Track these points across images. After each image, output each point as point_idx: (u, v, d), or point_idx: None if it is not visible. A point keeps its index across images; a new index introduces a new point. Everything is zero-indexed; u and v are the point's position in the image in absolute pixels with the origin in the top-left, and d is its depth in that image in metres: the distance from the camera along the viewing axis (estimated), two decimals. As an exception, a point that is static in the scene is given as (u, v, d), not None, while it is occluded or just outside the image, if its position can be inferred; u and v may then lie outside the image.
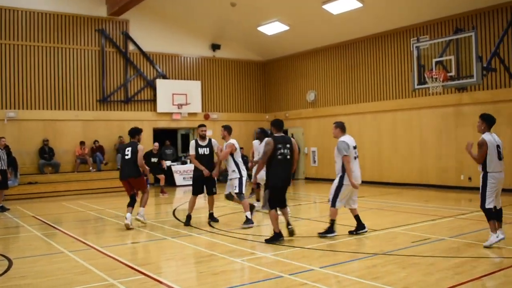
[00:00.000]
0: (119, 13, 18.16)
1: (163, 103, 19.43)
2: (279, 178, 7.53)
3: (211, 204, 9.81)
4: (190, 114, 20.09)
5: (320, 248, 7.09)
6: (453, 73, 13.81)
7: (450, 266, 5.89)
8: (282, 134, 7.75)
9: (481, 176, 7.08)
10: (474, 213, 9.96)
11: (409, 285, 5.17)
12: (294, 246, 7.23)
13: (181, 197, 15.56)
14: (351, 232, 8.05)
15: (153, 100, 19.45)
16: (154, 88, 19.40)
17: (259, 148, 10.59)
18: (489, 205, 7.03)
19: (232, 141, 9.55)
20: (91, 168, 17.48)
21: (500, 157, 7.12)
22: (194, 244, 7.65)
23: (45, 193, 15.79)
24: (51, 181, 16.45)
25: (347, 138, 7.80)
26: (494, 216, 7.00)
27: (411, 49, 15.14)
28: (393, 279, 5.39)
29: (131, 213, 9.26)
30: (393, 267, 5.94)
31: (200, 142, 9.50)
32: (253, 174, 9.10)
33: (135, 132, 9.63)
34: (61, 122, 17.49)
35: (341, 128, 7.93)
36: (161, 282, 5.54)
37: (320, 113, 19.66)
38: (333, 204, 7.77)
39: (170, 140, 20.70)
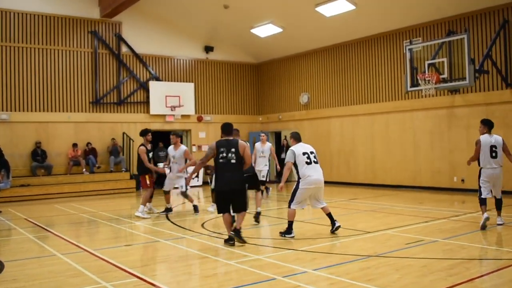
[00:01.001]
0: (112, 15, 18.11)
1: (156, 105, 19.38)
2: (223, 182, 7.56)
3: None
4: (183, 116, 20.06)
5: (313, 250, 7.09)
6: (445, 75, 13.84)
7: (443, 267, 5.90)
8: (230, 138, 7.75)
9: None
10: (467, 215, 10.01)
11: (403, 287, 5.17)
12: (287, 248, 7.22)
13: (174, 199, 15.49)
14: (332, 231, 8.25)
15: (146, 102, 19.40)
16: (147, 90, 19.35)
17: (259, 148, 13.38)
18: (481, 194, 8.48)
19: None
20: (84, 170, 17.39)
21: (494, 156, 8.29)
22: (187, 247, 7.62)
23: (38, 195, 15.67)
24: (44, 184, 16.34)
25: (295, 147, 8.29)
26: (482, 203, 8.45)
27: (404, 52, 15.16)
28: (386, 281, 5.39)
29: (144, 205, 10.93)
30: (387, 269, 5.94)
31: None
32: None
33: (141, 134, 11.17)
34: (54, 124, 17.40)
35: (294, 138, 8.51)
36: (154, 285, 5.50)
37: (313, 115, 19.69)
38: (289, 205, 8.14)
39: (163, 142, 20.59)
